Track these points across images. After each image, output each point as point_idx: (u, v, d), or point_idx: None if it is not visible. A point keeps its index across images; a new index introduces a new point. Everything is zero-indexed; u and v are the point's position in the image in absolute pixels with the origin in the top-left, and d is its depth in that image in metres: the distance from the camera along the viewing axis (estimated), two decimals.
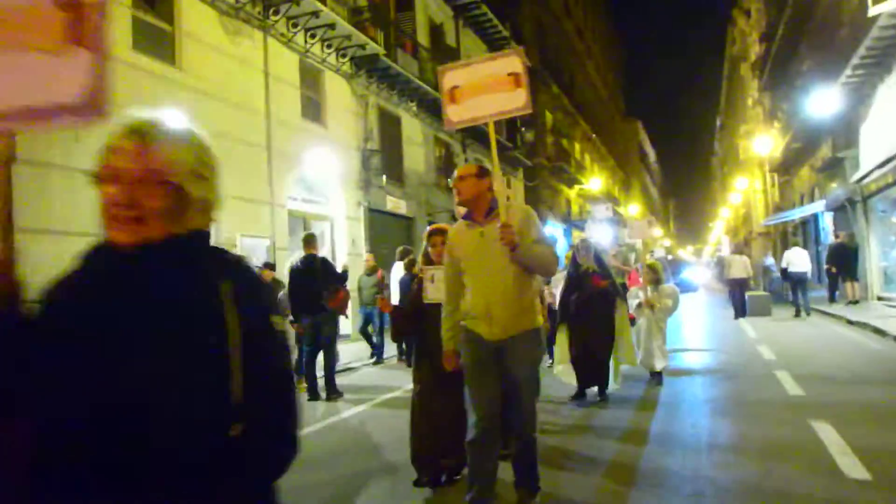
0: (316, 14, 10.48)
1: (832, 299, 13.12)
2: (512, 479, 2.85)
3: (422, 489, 3.23)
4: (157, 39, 8.23)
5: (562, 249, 12.48)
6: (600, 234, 6.04)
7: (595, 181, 28.42)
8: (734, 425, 4.31)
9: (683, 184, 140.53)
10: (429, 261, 3.30)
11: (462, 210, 2.84)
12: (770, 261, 18.49)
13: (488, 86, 2.61)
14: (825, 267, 13.76)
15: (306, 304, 5.68)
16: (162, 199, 0.88)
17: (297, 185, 10.84)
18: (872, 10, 9.47)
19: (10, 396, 0.84)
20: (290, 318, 5.78)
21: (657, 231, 42.75)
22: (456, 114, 2.72)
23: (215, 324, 0.85)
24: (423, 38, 15.75)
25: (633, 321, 5.86)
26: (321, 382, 5.98)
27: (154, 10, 8.37)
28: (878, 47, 10.81)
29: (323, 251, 11.37)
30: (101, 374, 0.82)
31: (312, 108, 11.39)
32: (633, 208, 41.06)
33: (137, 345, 0.82)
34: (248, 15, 9.69)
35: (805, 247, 20.48)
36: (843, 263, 12.70)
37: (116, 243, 0.88)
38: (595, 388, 5.17)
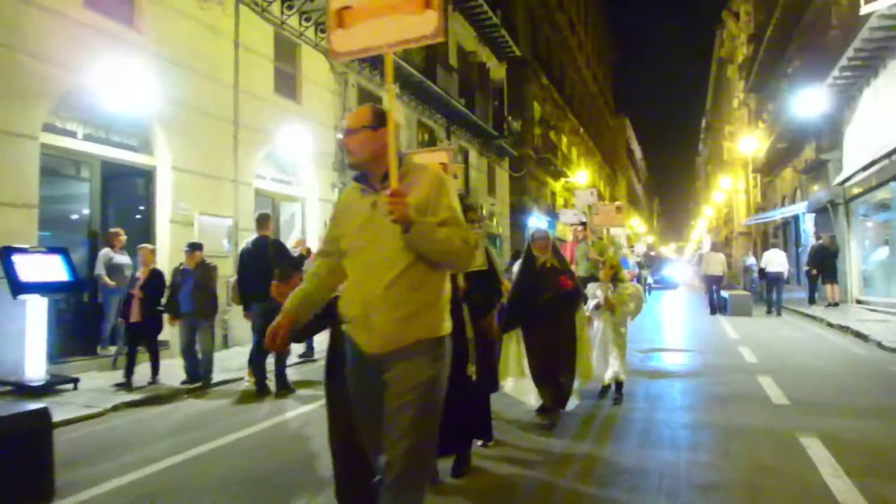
0: None
1: (812, 300, 13.07)
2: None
3: None
4: None
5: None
6: (606, 218, 5.27)
7: (581, 175, 28.20)
8: (716, 439, 3.96)
9: (668, 182, 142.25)
10: None
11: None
12: (751, 260, 18.51)
13: (389, 6, 2.01)
14: (805, 268, 13.72)
15: (256, 289, 5.20)
16: None
17: (266, 163, 10.26)
18: (864, 9, 9.21)
19: None
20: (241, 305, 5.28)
21: (634, 222, 42.53)
22: (343, 42, 2.08)
23: None
24: None
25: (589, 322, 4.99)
26: (273, 376, 5.53)
27: None
28: (866, 49, 10.66)
29: (293, 234, 10.96)
30: None
31: (286, 83, 10.79)
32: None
33: None
34: None
35: (785, 248, 20.63)
36: (824, 265, 12.66)
37: None
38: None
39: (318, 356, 7.47)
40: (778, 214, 19.46)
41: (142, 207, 8.23)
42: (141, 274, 5.85)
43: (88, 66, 6.83)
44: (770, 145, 19.91)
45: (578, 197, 5.50)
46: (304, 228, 11.23)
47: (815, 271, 12.93)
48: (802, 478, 3.13)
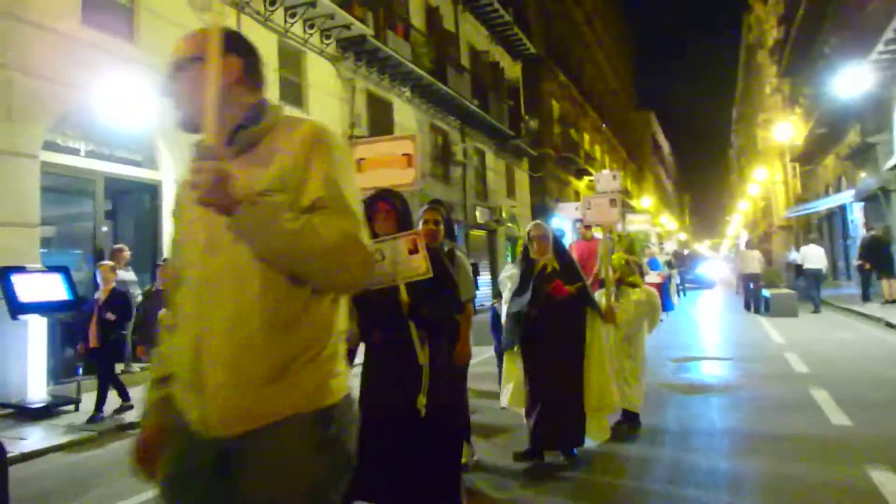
0: None
1: (866, 298, 11.95)
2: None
3: None
4: (112, 13, 7.44)
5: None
6: (600, 213, 4.28)
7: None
8: (766, 476, 3.29)
9: (700, 177, 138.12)
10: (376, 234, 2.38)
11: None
12: (794, 255, 17.33)
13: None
14: (857, 263, 12.61)
15: None
16: None
17: None
18: None
19: None
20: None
21: (664, 219, 40.63)
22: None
23: None
24: (417, 20, 14.83)
25: None
26: None
27: None
28: None
29: None
30: None
31: (292, 92, 10.55)
32: (646, 201, 39.78)
33: None
34: None
35: (832, 240, 19.30)
36: (878, 258, 11.56)
37: None
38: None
39: None
40: (822, 205, 18.26)
41: (148, 223, 8.11)
42: (101, 294, 5.37)
43: (88, 83, 6.70)
44: (809, 131, 18.77)
45: (599, 181, 4.82)
46: None
47: (868, 265, 11.83)
48: None
